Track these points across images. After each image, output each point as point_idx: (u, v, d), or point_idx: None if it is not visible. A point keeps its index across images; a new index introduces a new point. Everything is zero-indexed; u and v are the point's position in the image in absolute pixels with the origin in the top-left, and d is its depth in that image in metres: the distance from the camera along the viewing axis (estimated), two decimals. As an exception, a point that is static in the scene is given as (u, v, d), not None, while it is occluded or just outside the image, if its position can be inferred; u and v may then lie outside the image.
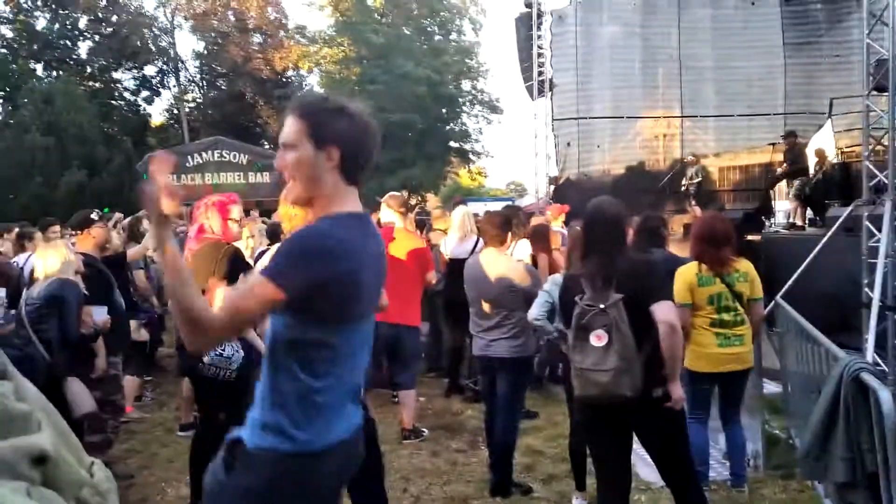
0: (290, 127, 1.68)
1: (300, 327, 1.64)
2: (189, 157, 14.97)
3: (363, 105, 1.78)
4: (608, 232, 2.86)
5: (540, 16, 13.63)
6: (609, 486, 2.95)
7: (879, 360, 5.73)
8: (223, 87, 30.56)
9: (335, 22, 29.26)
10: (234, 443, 1.68)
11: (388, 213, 5.10)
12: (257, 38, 30.35)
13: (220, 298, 3.27)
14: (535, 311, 3.66)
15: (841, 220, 7.09)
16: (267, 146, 26.79)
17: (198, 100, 31.41)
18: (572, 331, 2.80)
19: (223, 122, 28.69)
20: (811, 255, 6.68)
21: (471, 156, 31.97)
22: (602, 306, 2.69)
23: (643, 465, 3.97)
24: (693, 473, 2.97)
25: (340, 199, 1.71)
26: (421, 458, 4.64)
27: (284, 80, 30.49)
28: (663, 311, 2.70)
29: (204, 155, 14.98)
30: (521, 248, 5.60)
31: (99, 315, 4.06)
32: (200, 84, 31.61)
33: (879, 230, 5.99)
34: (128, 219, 6.53)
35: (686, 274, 3.82)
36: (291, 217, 2.83)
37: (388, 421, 5.19)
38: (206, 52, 30.20)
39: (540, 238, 5.65)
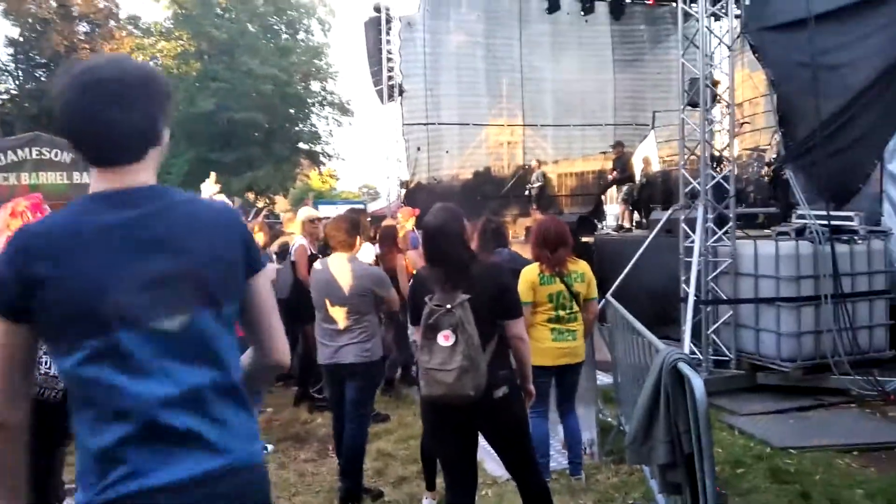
0: None
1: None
2: (2, 154, 13.35)
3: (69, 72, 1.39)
4: (448, 241, 2.88)
5: (389, 21, 13.68)
6: (457, 483, 3.00)
7: (695, 349, 6.36)
8: (43, 79, 27.66)
9: (173, 14, 27.57)
10: None
11: None
12: (83, 27, 27.82)
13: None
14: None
15: (661, 222, 7.82)
16: (95, 144, 24.61)
17: (12, 91, 28.19)
18: (421, 330, 2.82)
19: (42, 116, 25.97)
20: (636, 255, 7.27)
21: (321, 158, 31.42)
22: (449, 306, 2.74)
23: (490, 460, 4.09)
24: (536, 466, 3.08)
25: (93, 186, 1.41)
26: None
27: (115, 73, 28.14)
28: (518, 328, 2.93)
29: (20, 152, 13.38)
30: (366, 251, 5.60)
31: None
32: (15, 74, 28.40)
33: (694, 231, 6.65)
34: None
35: (529, 274, 4.01)
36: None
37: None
38: (21, 39, 27.19)
39: (388, 240, 5.68)
